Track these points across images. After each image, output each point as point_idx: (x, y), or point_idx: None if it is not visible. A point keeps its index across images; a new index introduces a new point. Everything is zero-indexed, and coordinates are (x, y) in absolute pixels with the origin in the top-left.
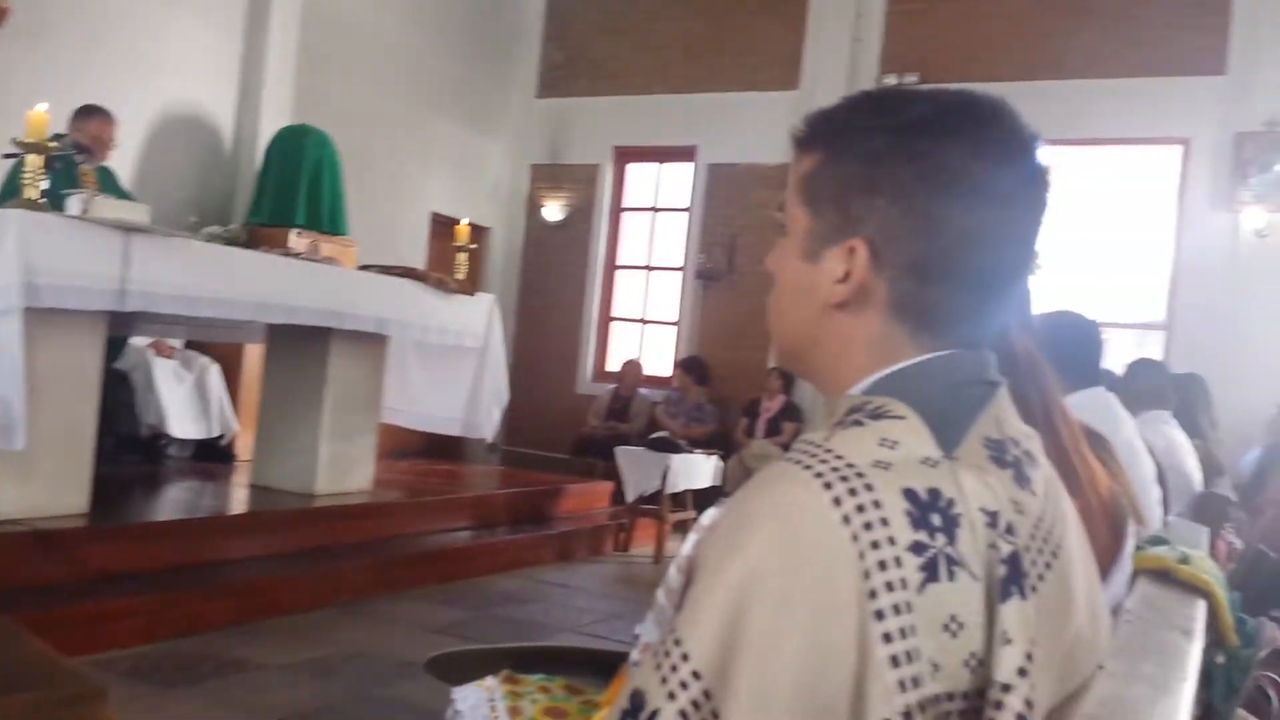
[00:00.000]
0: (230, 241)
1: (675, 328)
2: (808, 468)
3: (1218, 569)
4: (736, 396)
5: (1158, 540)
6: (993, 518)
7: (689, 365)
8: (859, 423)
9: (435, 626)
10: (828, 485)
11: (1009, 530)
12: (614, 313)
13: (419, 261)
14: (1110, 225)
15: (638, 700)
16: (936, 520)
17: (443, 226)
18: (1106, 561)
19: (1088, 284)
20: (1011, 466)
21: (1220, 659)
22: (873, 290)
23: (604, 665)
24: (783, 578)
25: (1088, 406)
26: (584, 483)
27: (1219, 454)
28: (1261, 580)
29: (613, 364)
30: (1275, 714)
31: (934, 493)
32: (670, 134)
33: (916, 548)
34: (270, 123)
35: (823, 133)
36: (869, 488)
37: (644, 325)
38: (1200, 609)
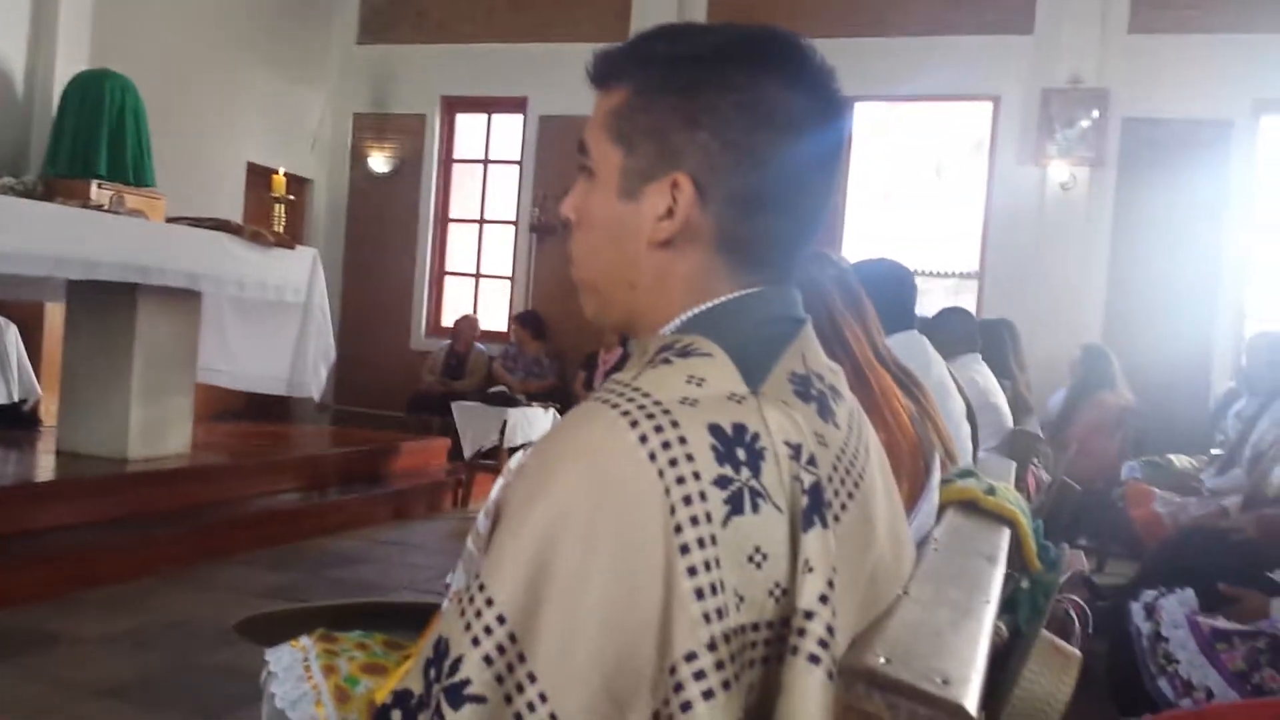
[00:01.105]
0: (24, 194)
1: (510, 282)
2: (614, 406)
3: (1022, 499)
4: (574, 350)
5: (966, 473)
6: (796, 450)
7: (526, 319)
8: (667, 361)
9: (262, 591)
10: (634, 423)
11: (811, 462)
12: (447, 267)
13: (235, 214)
14: (929, 179)
15: (441, 648)
16: (741, 455)
17: (260, 178)
18: (913, 493)
19: (908, 236)
20: (815, 400)
21: (1025, 584)
22: (698, 225)
23: (425, 619)
24: (589, 517)
25: (902, 348)
26: (420, 440)
27: (1028, 394)
28: (1067, 510)
29: (447, 319)
30: (1076, 635)
31: (739, 428)
32: (500, 84)
33: (721, 482)
34: (66, 67)
35: (627, 66)
36: (675, 424)
37: (478, 280)
38: (1005, 537)
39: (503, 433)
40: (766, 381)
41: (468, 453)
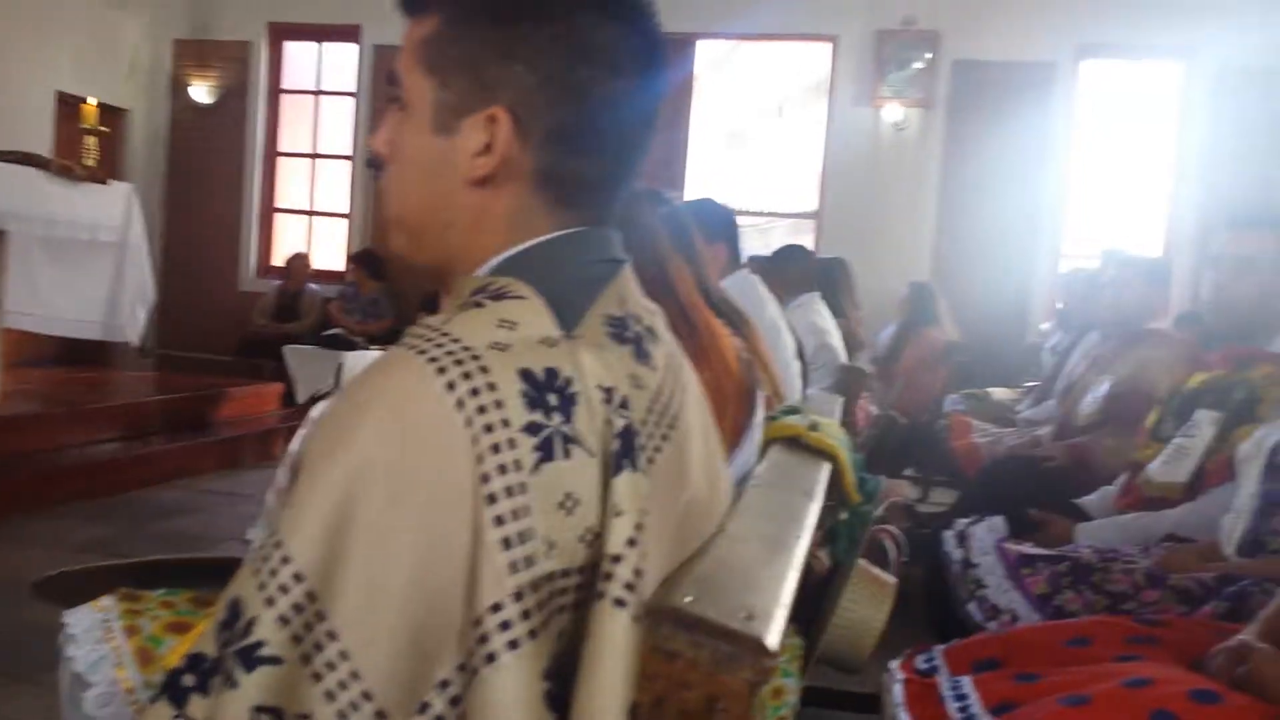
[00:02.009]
0: None
1: (346, 220)
2: (421, 352)
3: (844, 434)
4: (415, 290)
5: (791, 410)
6: (609, 394)
7: (363, 259)
8: (479, 304)
9: (79, 545)
10: (441, 370)
11: (624, 405)
12: (277, 204)
13: (43, 148)
14: (771, 120)
15: (235, 609)
16: (553, 400)
17: (71, 108)
18: (737, 431)
19: (750, 176)
20: (632, 342)
21: (844, 516)
22: (517, 163)
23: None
24: (393, 469)
25: (735, 288)
26: (251, 385)
27: (859, 331)
28: (893, 442)
29: (278, 259)
30: (893, 563)
31: (551, 372)
32: (331, 11)
33: (532, 428)
34: None
35: None
36: (484, 370)
37: (311, 217)
38: (825, 471)
39: (339, 376)
40: (581, 324)
41: (301, 398)
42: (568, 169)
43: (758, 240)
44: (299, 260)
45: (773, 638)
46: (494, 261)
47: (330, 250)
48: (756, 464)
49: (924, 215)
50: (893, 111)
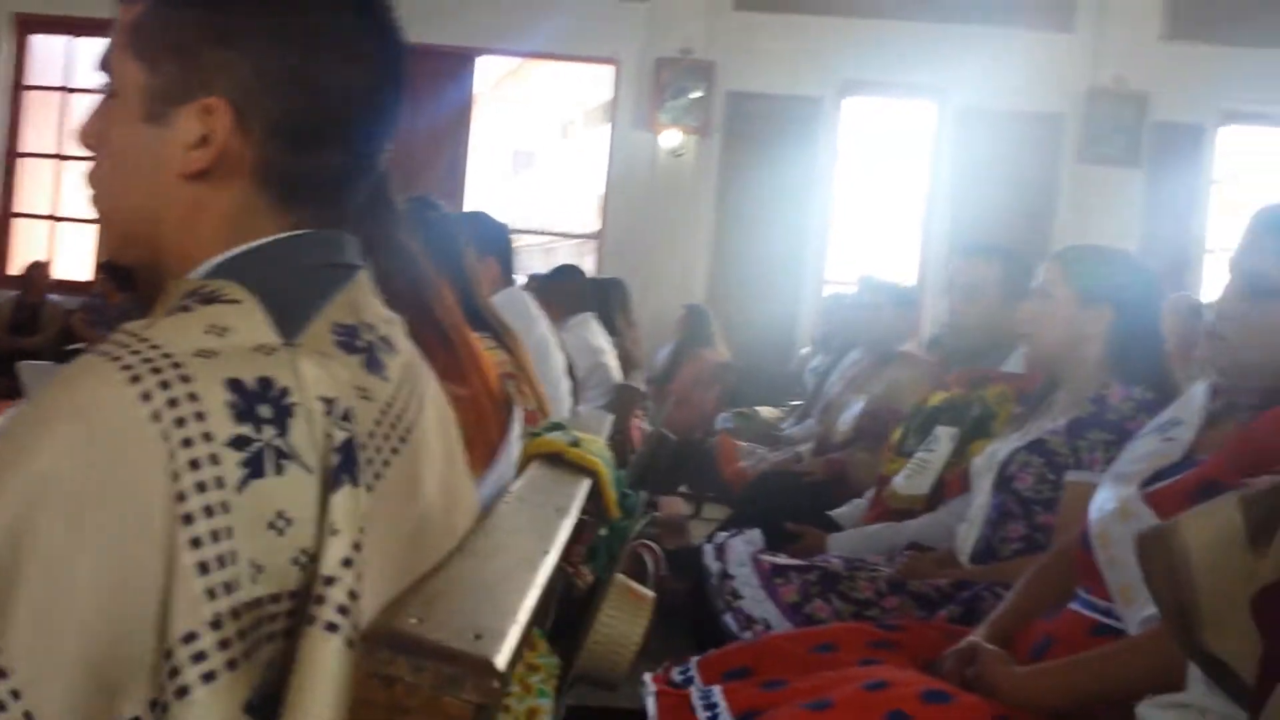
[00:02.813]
0: None
1: (95, 226)
2: (115, 359)
3: (607, 450)
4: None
5: (554, 427)
6: (330, 405)
7: (111, 268)
8: (186, 309)
9: None
10: (136, 379)
11: (347, 417)
12: (16, 208)
13: None
14: (559, 141)
15: None
16: (266, 412)
17: None
18: (494, 447)
19: (535, 197)
20: (362, 352)
21: (603, 531)
22: (238, 156)
23: None
24: (76, 487)
25: (504, 305)
26: None
27: (635, 350)
28: (665, 460)
29: (16, 267)
30: (651, 576)
31: (265, 382)
32: (84, 2)
33: (238, 442)
34: None
35: None
36: (185, 379)
37: (55, 223)
38: (583, 487)
39: None
40: (305, 332)
41: None
42: (295, 165)
43: (542, 260)
44: (38, 269)
45: (502, 657)
46: (211, 263)
47: (76, 259)
48: (512, 480)
49: (700, 239)
50: (671, 137)
